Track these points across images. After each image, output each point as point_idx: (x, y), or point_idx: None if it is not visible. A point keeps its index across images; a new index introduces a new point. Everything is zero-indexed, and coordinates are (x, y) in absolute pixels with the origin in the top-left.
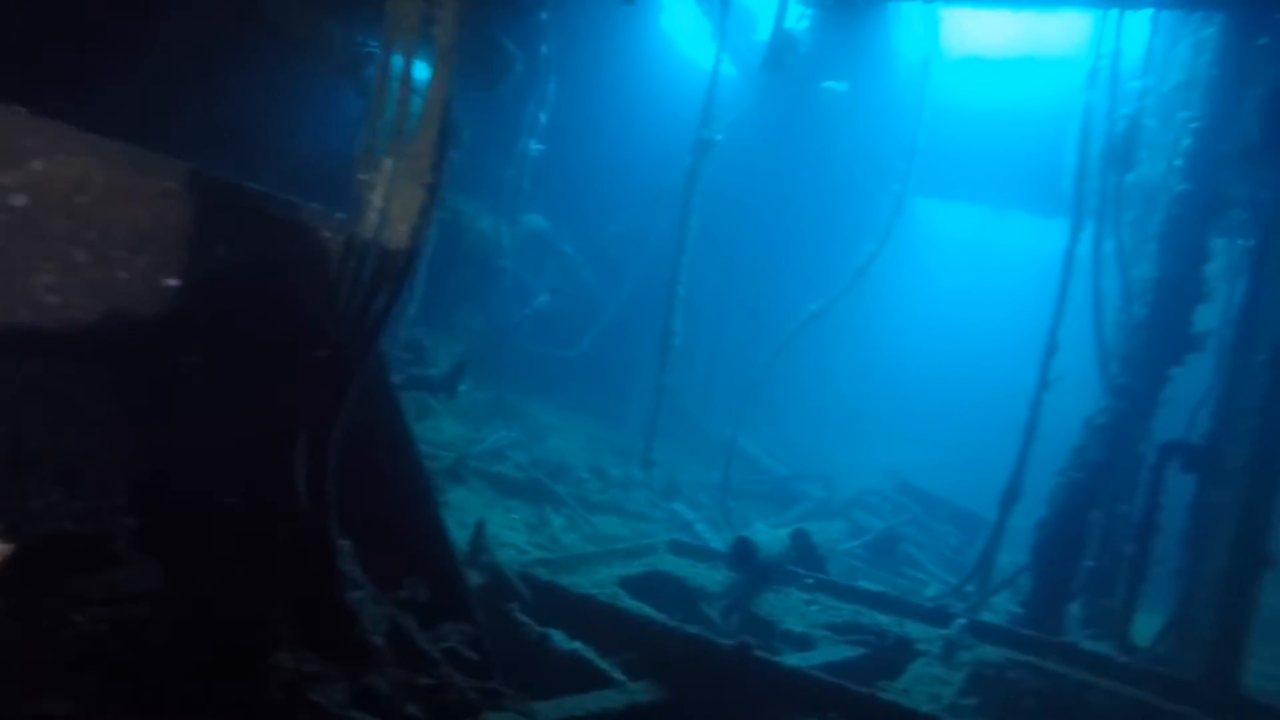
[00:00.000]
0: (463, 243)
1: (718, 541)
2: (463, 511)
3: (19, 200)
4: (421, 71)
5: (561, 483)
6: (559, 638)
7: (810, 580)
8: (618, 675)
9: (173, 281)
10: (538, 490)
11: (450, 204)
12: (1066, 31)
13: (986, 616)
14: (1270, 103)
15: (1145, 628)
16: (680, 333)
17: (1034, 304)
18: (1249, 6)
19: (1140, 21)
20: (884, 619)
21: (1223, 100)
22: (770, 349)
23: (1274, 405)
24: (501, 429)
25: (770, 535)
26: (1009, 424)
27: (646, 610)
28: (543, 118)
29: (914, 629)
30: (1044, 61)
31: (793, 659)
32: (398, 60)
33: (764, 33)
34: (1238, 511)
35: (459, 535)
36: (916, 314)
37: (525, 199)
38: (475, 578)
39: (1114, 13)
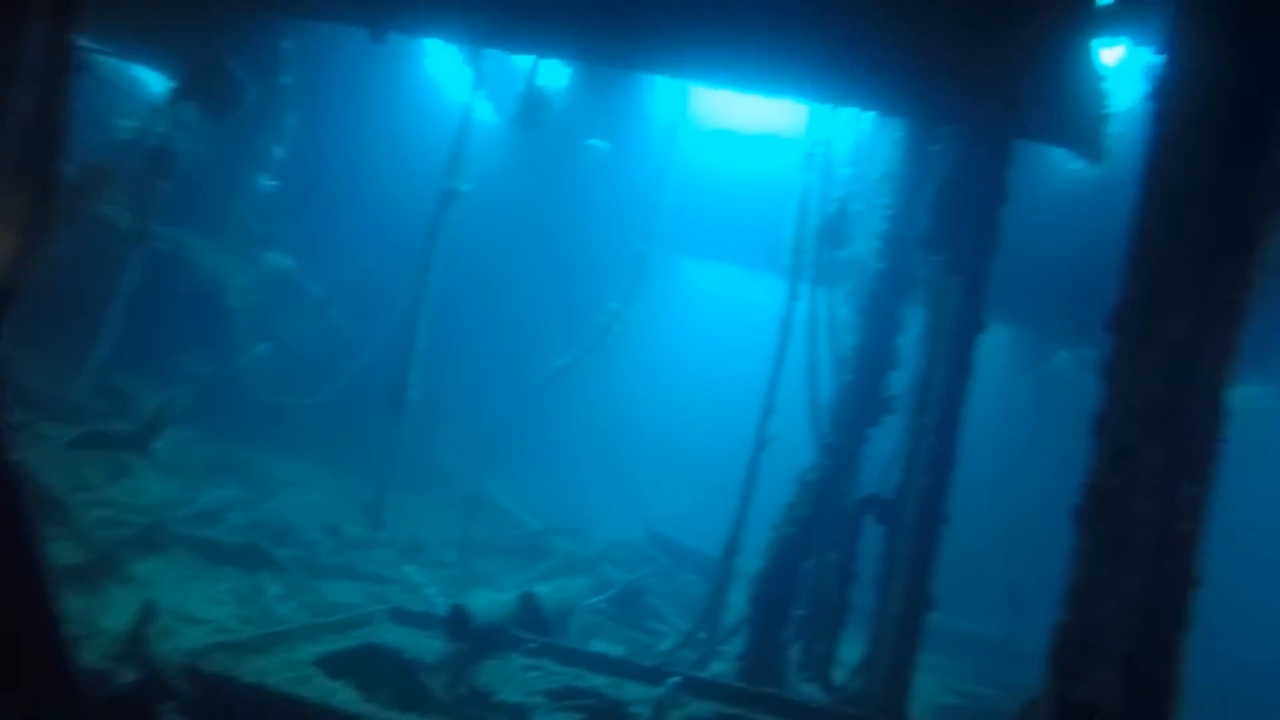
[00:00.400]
0: (184, 280)
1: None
2: (152, 586)
3: None
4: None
5: (287, 545)
6: None
7: (534, 644)
8: None
9: None
10: (255, 555)
11: (169, 237)
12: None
13: (718, 665)
14: (936, 200)
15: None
16: (417, 385)
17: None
18: (923, 118)
19: (859, 116)
20: (601, 682)
21: (908, 193)
22: (520, 402)
23: (940, 463)
24: (221, 487)
25: (492, 600)
26: (757, 474)
27: (336, 698)
28: (280, 151)
29: (632, 690)
30: (784, 140)
31: None
32: None
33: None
34: (909, 559)
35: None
36: (677, 367)
37: (263, 235)
38: (130, 674)
39: (825, 106)
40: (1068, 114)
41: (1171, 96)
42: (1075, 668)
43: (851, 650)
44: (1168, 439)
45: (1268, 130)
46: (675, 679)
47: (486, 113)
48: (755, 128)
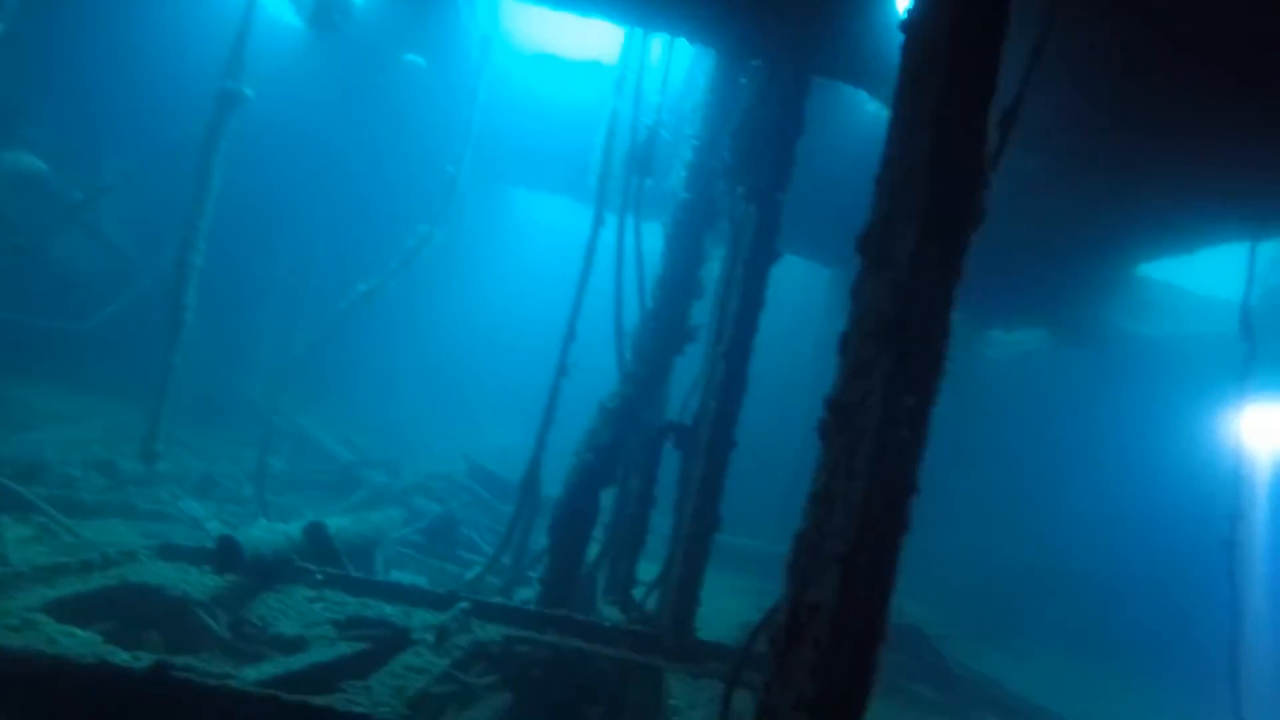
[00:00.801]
0: None
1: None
2: None
3: None
4: None
5: (40, 483)
6: None
7: (319, 576)
8: None
9: None
10: None
11: None
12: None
13: (525, 592)
14: (736, 130)
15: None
16: (192, 307)
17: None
18: (730, 48)
19: (676, 44)
20: (391, 610)
21: (715, 124)
22: (337, 328)
23: (728, 390)
24: None
25: (272, 531)
26: (558, 401)
27: (64, 644)
28: None
29: (421, 617)
30: (607, 68)
31: (272, 665)
32: None
33: None
34: (699, 482)
35: None
36: (509, 299)
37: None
38: None
39: (637, 30)
40: (863, 54)
41: (912, 28)
42: (807, 572)
43: (654, 572)
44: (893, 354)
45: (993, 67)
46: (464, 604)
47: (286, 13)
48: (579, 55)
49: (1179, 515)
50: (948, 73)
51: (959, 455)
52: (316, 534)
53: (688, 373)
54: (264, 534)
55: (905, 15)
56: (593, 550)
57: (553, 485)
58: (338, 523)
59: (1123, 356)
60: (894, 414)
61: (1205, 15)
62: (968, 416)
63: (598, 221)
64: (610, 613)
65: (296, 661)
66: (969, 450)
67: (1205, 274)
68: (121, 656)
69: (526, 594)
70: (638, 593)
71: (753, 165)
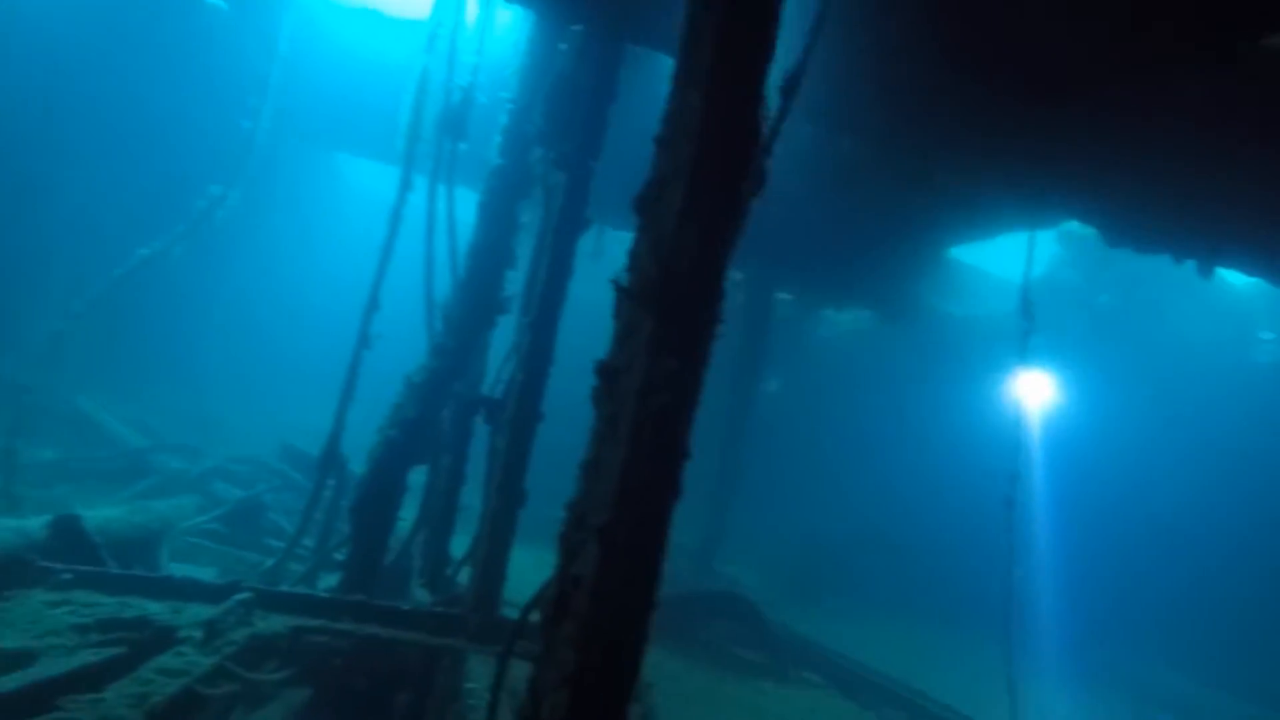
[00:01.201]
0: None
1: None
2: None
3: None
4: None
5: None
6: None
7: (67, 576)
8: None
9: None
10: None
11: None
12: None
13: (332, 578)
14: (551, 97)
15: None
16: None
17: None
18: (553, 13)
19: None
20: (157, 608)
21: (531, 88)
22: (117, 297)
23: (533, 361)
24: None
25: (5, 529)
26: (359, 375)
27: None
28: None
29: (196, 613)
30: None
31: None
32: None
33: None
34: (505, 456)
35: None
36: (333, 269)
37: None
38: None
39: None
40: (677, 23)
41: None
42: (573, 543)
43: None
44: (654, 315)
45: (769, 27)
46: (244, 595)
47: None
48: (405, 11)
49: (980, 479)
50: (722, 28)
51: (793, 429)
52: (66, 528)
53: (507, 345)
54: None
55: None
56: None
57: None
58: (106, 514)
59: (936, 334)
60: (656, 377)
61: (996, 22)
62: (801, 392)
63: (404, 185)
64: (423, 594)
65: (10, 681)
66: (802, 424)
67: (1005, 258)
68: None
69: (333, 580)
70: (456, 574)
71: (564, 131)
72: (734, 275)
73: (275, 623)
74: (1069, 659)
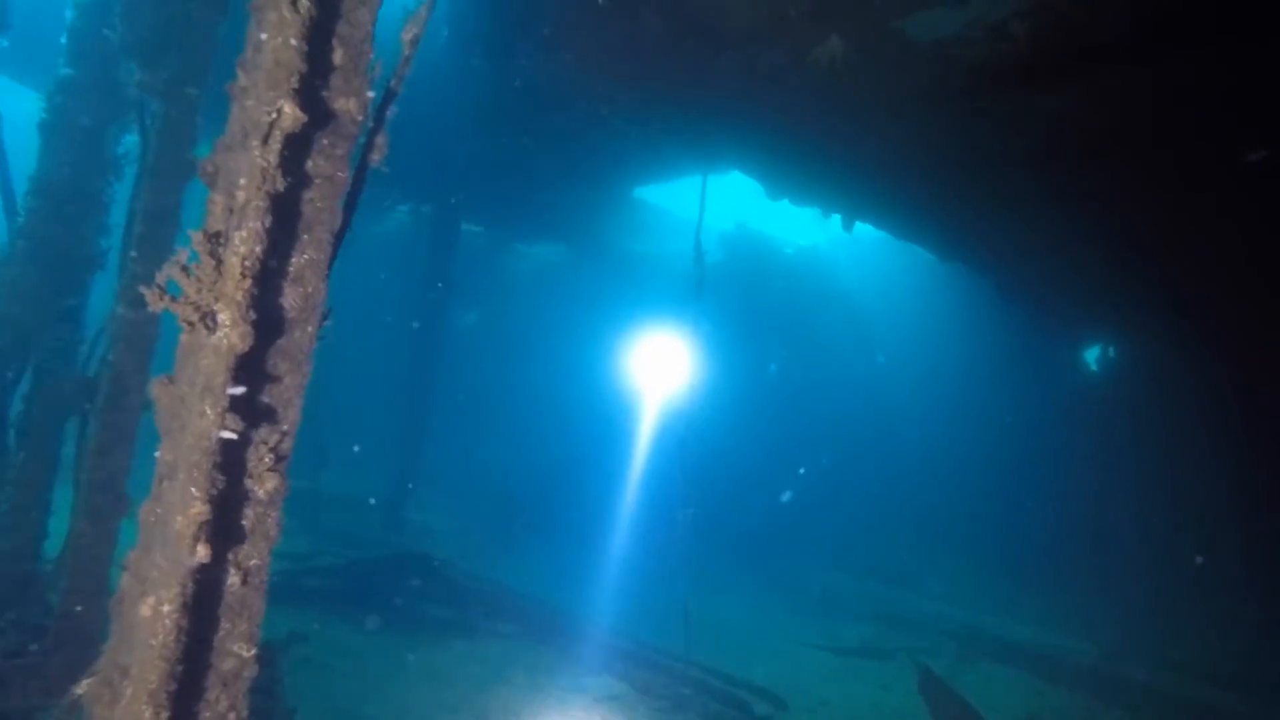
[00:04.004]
0: None
1: None
2: None
3: None
4: None
5: None
6: None
7: None
8: None
9: None
10: None
11: None
12: None
13: None
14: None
15: None
16: None
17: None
18: None
19: None
20: None
21: None
22: None
23: (135, 334)
24: None
25: None
26: None
27: None
28: None
29: None
30: None
31: None
32: None
33: None
34: (95, 452)
35: None
36: None
37: None
38: None
39: None
40: None
41: None
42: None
43: None
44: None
45: None
46: None
47: None
48: None
49: (658, 410)
50: None
51: (492, 364)
52: None
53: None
54: None
55: None
56: None
57: None
58: None
59: (623, 270)
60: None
61: None
62: (499, 326)
63: None
64: None
65: None
66: (500, 358)
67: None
68: None
69: None
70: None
71: (159, 47)
72: (420, 209)
73: None
74: (748, 570)
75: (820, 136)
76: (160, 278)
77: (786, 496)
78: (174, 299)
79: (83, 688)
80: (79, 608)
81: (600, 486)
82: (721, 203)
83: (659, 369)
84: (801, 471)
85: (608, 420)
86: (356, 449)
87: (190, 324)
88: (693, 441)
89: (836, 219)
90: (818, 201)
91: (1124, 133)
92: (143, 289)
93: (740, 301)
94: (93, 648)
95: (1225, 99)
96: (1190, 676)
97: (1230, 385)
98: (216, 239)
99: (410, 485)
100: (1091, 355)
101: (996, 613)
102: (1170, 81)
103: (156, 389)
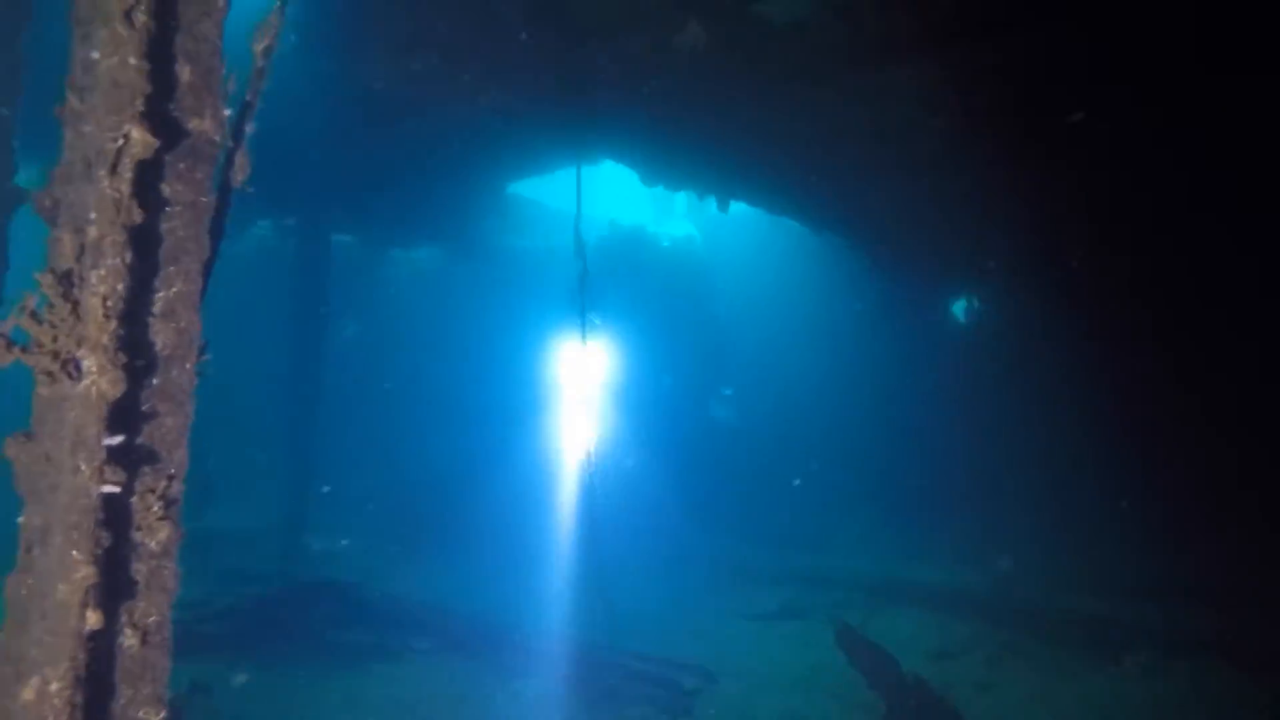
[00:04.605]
0: None
1: None
2: None
3: None
4: None
5: None
6: None
7: None
8: None
9: None
10: None
11: None
12: None
13: None
14: None
15: None
16: None
17: None
18: None
19: None
20: None
21: None
22: None
23: None
24: None
25: None
26: None
27: None
28: None
29: None
30: None
31: None
32: None
33: None
34: None
35: None
36: None
37: None
38: None
39: None
40: None
41: None
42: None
43: None
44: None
45: None
46: None
47: None
48: None
49: (554, 406)
50: None
51: (377, 374)
52: None
53: None
54: None
55: None
56: None
57: None
58: None
59: (502, 267)
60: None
61: None
62: (379, 335)
63: None
64: None
65: None
66: (384, 367)
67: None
68: None
69: None
70: None
71: None
72: (283, 222)
73: None
74: (664, 555)
75: (689, 120)
76: (4, 326)
77: (693, 479)
78: (24, 349)
79: None
80: None
81: (504, 488)
82: (598, 195)
83: (552, 364)
84: (705, 452)
85: (504, 420)
86: (245, 480)
87: (49, 374)
88: (594, 435)
89: (711, 203)
90: (692, 185)
91: (970, 102)
92: None
93: (623, 295)
94: None
95: (1049, 70)
96: (1073, 591)
97: (1079, 323)
98: (68, 279)
99: (306, 511)
100: (959, 308)
101: (903, 561)
102: (1008, 55)
103: (12, 448)
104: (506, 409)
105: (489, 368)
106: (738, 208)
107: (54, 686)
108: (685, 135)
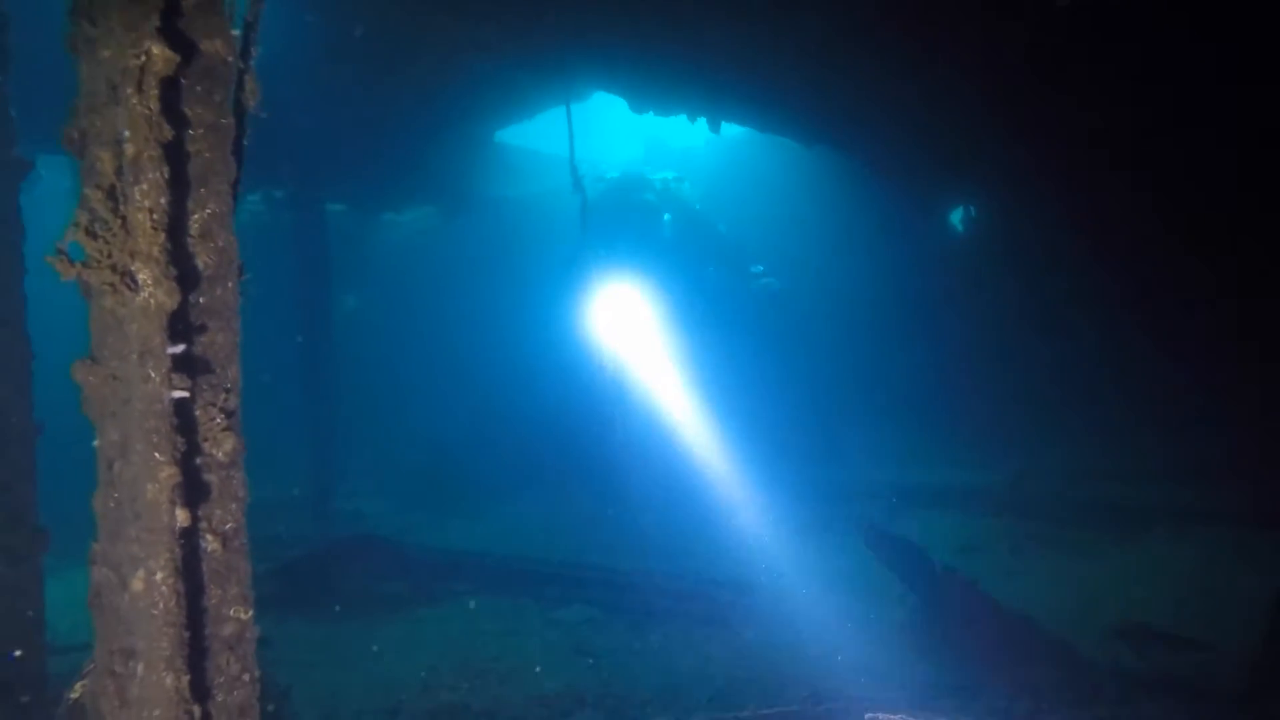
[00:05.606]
0: None
1: None
2: None
3: None
4: None
5: None
6: None
7: None
8: None
9: None
10: None
11: None
12: None
13: None
14: None
15: None
16: None
17: None
18: None
19: None
20: None
21: None
22: None
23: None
24: None
25: None
26: None
27: None
28: None
29: None
30: None
31: None
32: None
33: None
34: None
35: None
36: None
37: None
38: None
39: None
40: None
41: None
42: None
43: None
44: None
45: None
46: None
47: None
48: None
49: (574, 353)
50: None
51: (384, 342)
52: None
53: None
54: None
55: None
56: None
57: None
58: None
59: (499, 217)
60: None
61: None
62: (383, 302)
63: None
64: None
65: None
66: (392, 335)
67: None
68: None
69: None
70: None
71: None
72: (274, 194)
73: None
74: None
75: (677, 41)
76: (62, 244)
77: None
78: (84, 264)
79: (78, 690)
80: (18, 653)
81: (527, 434)
82: (590, 144)
83: (563, 308)
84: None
85: (521, 368)
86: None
87: (110, 287)
88: (610, 374)
89: (702, 123)
90: (682, 108)
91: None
92: (48, 259)
93: (625, 240)
94: (40, 691)
95: None
96: (1093, 479)
97: (1072, 222)
98: (113, 194)
99: (333, 476)
100: (956, 216)
101: (919, 468)
102: None
103: (81, 373)
104: (521, 355)
105: (495, 317)
106: (734, 131)
107: (159, 575)
108: (674, 56)
